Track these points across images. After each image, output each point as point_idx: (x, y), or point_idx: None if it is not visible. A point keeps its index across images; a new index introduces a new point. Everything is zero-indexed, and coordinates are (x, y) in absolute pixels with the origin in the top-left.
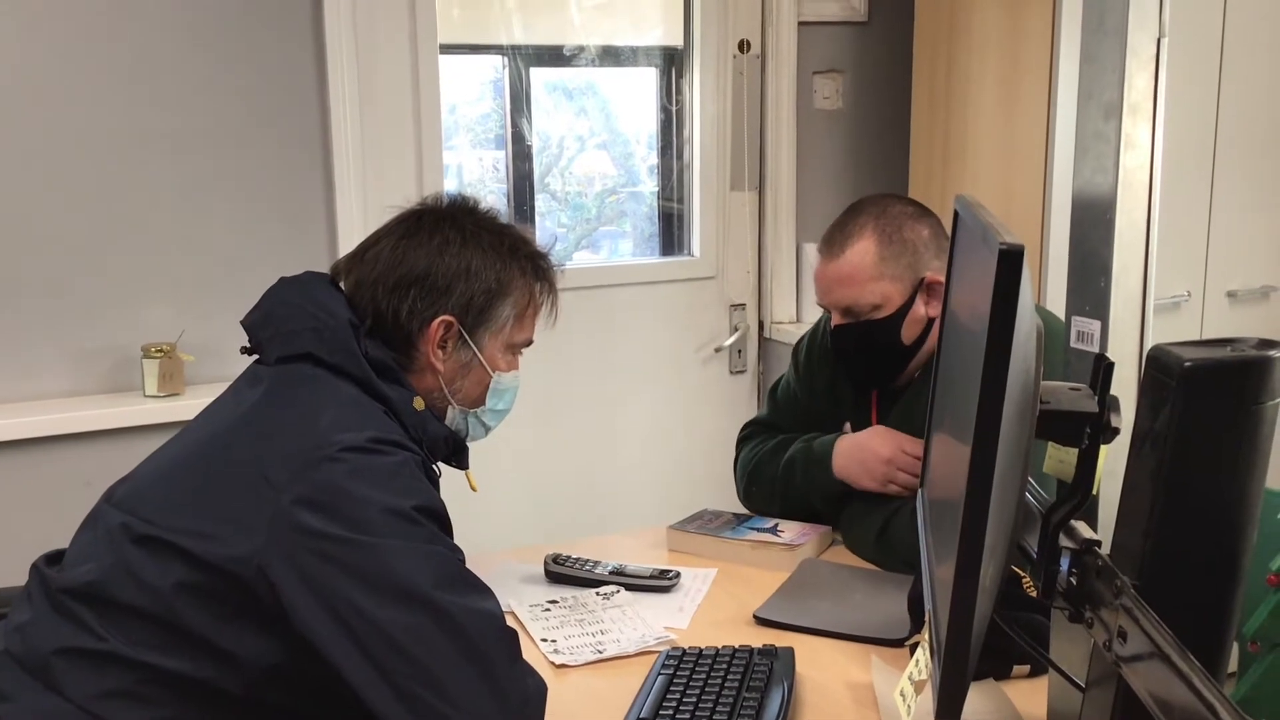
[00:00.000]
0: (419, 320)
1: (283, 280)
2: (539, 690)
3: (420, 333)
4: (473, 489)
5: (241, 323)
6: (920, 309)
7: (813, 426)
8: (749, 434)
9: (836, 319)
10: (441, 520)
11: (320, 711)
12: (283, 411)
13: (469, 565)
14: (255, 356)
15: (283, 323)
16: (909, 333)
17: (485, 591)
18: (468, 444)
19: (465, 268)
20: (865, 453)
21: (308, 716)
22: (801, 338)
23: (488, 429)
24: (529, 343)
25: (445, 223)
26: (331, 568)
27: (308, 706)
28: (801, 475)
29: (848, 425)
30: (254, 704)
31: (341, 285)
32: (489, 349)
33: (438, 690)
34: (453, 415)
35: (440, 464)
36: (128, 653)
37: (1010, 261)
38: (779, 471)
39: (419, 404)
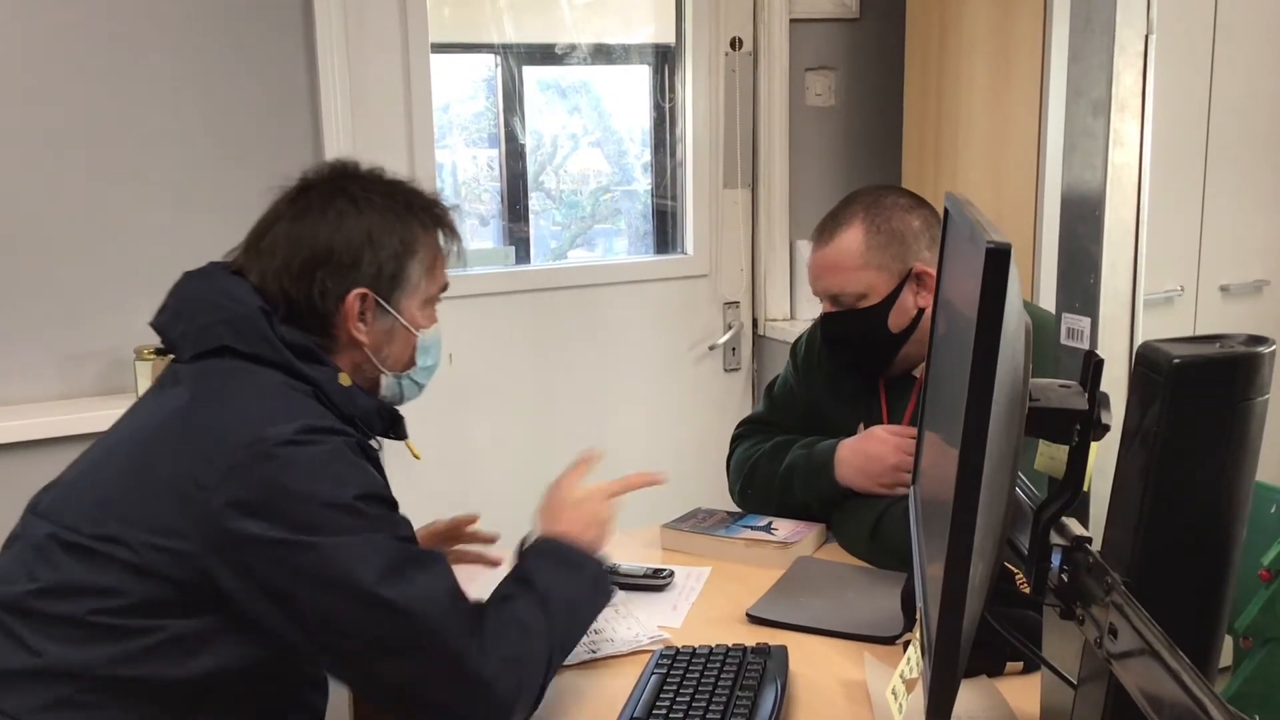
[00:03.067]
0: (333, 299)
1: (187, 275)
2: (508, 657)
3: (337, 311)
4: (415, 457)
5: (150, 324)
6: (908, 299)
7: (813, 424)
8: (744, 432)
9: (825, 306)
10: (384, 500)
11: (268, 707)
12: (206, 409)
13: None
14: (171, 356)
15: (193, 318)
16: (896, 322)
17: (432, 566)
18: (402, 407)
19: (367, 236)
20: (868, 460)
21: (255, 713)
22: (800, 336)
23: (421, 387)
24: (445, 288)
25: (335, 193)
26: (281, 571)
27: (254, 703)
28: (802, 482)
29: (861, 426)
30: (200, 703)
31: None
32: (408, 310)
33: (399, 673)
34: (387, 383)
35: (379, 438)
36: (65, 665)
37: (997, 260)
38: (777, 476)
39: (345, 380)
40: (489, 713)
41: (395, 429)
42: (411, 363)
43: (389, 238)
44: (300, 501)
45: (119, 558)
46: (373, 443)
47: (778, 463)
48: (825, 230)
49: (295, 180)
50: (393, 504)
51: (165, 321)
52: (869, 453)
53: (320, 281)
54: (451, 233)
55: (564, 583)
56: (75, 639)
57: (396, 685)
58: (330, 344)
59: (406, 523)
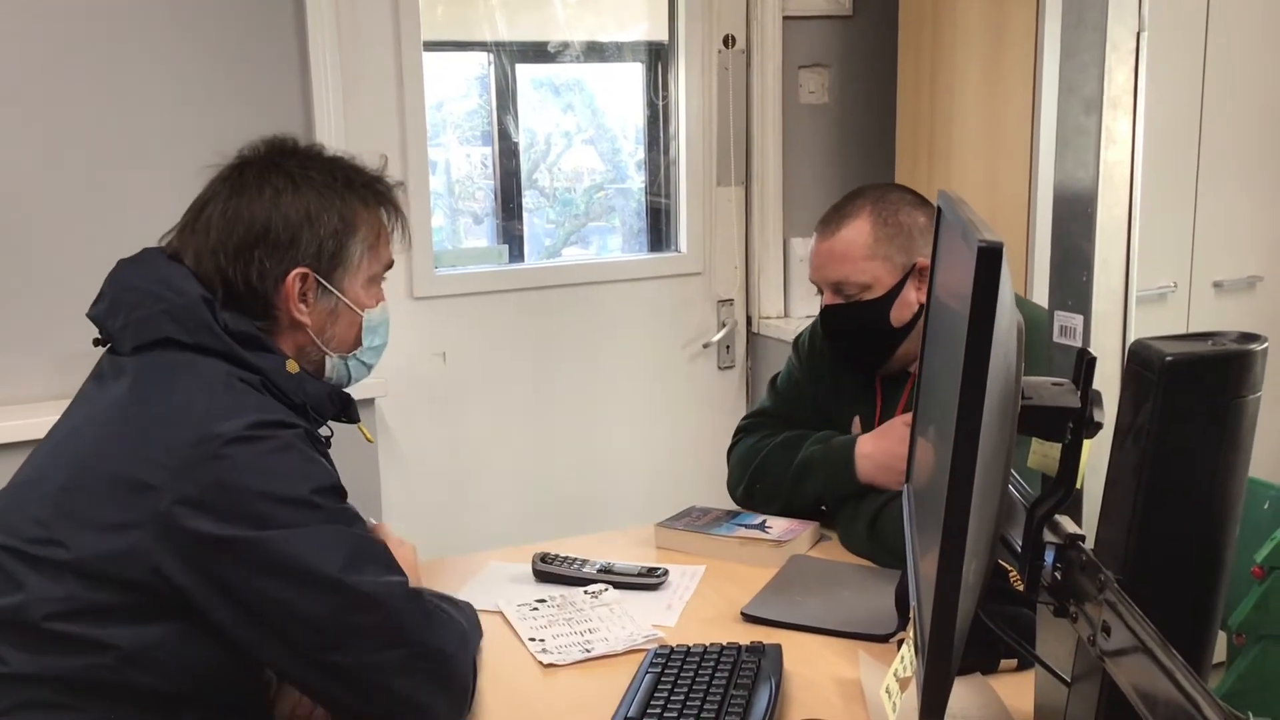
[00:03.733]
0: (271, 279)
1: (122, 263)
2: (456, 640)
3: (276, 292)
4: (368, 440)
5: (88, 315)
6: (911, 293)
7: (818, 415)
8: (750, 425)
9: (827, 297)
10: (338, 493)
11: (239, 708)
12: (151, 405)
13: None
14: (107, 347)
15: (132, 309)
16: (898, 316)
17: (384, 555)
18: (350, 388)
19: (305, 214)
20: (890, 457)
21: (230, 708)
22: (803, 331)
23: (369, 367)
24: (389, 266)
25: (270, 171)
26: (239, 567)
27: (228, 704)
28: (820, 477)
29: (857, 422)
30: (174, 706)
31: (187, 267)
32: (351, 290)
33: (365, 663)
34: (332, 364)
35: (331, 422)
36: (33, 670)
37: (989, 259)
38: (790, 471)
39: (292, 367)
40: (451, 692)
41: (347, 412)
42: (357, 343)
43: (328, 215)
44: (253, 499)
45: (65, 562)
46: (323, 430)
47: (790, 457)
48: (831, 221)
49: (232, 158)
50: (343, 494)
51: (103, 312)
52: (889, 450)
53: (259, 261)
54: (394, 210)
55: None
56: (34, 647)
57: (357, 674)
58: (272, 326)
59: (355, 513)
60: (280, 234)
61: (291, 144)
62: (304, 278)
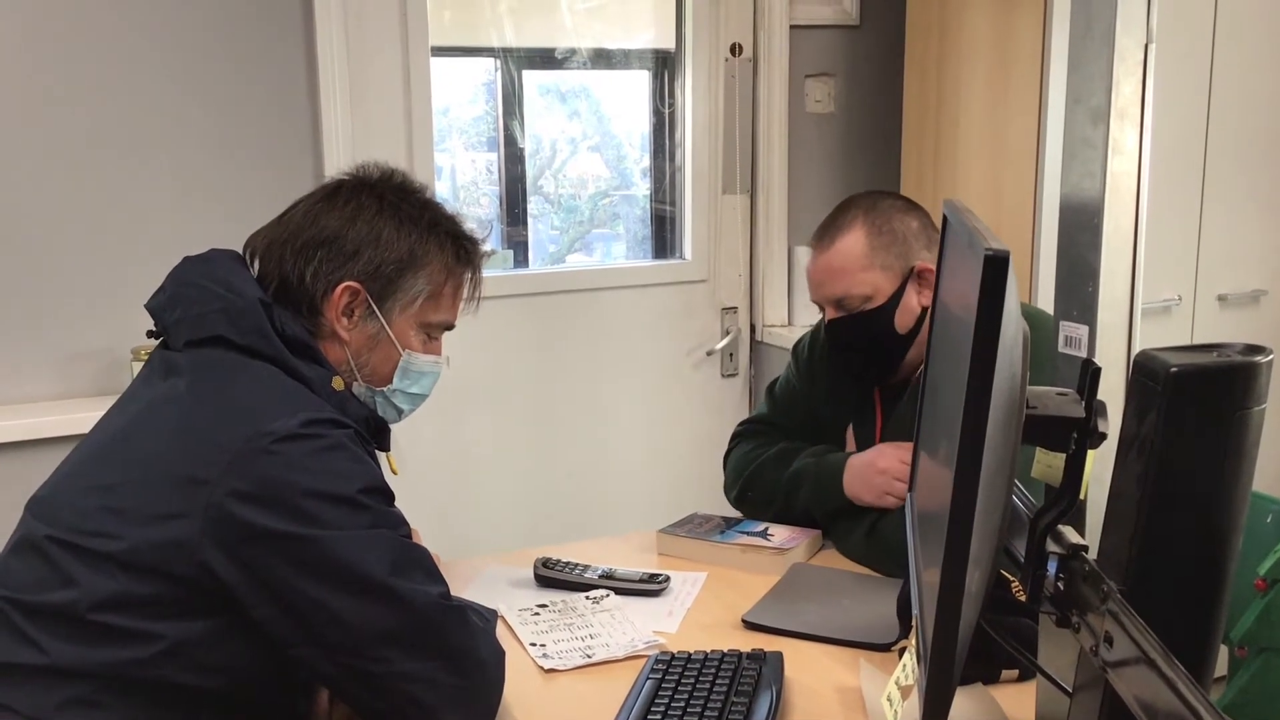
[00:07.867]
0: (323, 284)
1: (187, 260)
2: (493, 653)
3: (324, 297)
4: (393, 472)
5: (146, 306)
6: (912, 298)
7: (815, 425)
8: (745, 431)
9: (830, 313)
10: (385, 494)
11: (263, 711)
12: (206, 402)
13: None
14: (159, 339)
15: (190, 305)
16: (902, 322)
17: (428, 562)
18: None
19: (376, 235)
20: (875, 472)
21: (251, 709)
22: (802, 337)
23: (400, 411)
24: (448, 326)
25: (364, 191)
26: (284, 564)
27: (253, 706)
28: (810, 490)
29: (851, 428)
30: (205, 706)
31: (255, 255)
32: (398, 323)
33: (399, 671)
34: (359, 391)
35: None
36: (73, 665)
37: (995, 268)
38: (783, 483)
39: (338, 384)
40: (480, 706)
41: (379, 439)
42: (388, 380)
43: (398, 243)
44: (303, 496)
45: (113, 554)
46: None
47: (783, 468)
48: (825, 235)
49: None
50: (391, 497)
51: (161, 304)
52: (876, 465)
53: (317, 262)
54: (472, 271)
55: None
56: (78, 639)
57: (388, 681)
58: (315, 329)
59: (402, 517)
60: (346, 245)
61: (401, 177)
62: (354, 292)
